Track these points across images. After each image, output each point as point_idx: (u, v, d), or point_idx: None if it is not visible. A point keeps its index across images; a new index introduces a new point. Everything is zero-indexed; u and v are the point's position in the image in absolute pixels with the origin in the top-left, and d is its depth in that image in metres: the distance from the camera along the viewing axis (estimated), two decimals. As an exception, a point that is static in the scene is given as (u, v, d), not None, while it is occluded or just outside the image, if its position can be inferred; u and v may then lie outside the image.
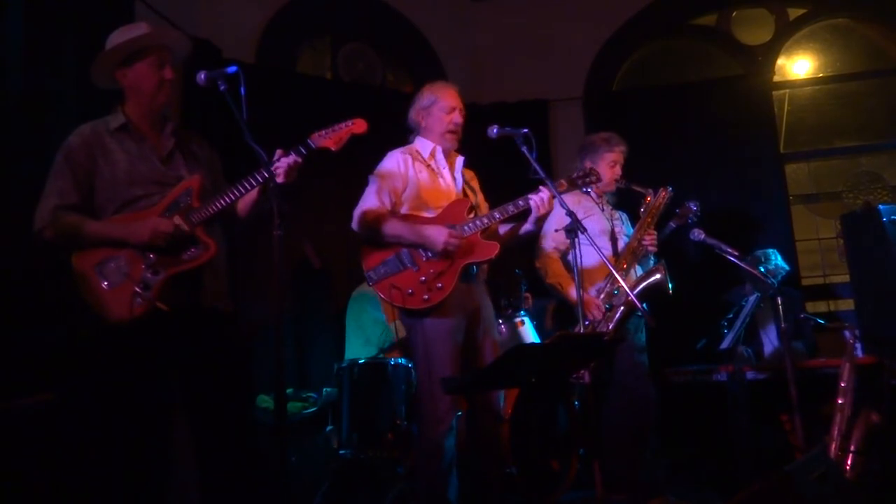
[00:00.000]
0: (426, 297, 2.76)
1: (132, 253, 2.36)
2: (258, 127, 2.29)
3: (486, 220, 2.88)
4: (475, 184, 3.17)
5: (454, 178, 3.03)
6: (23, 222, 2.49)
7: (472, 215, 2.92)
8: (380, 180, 2.93)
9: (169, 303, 2.35)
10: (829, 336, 4.25)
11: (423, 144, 3.05)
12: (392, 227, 2.84)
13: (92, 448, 2.47)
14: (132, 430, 2.34)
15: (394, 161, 2.98)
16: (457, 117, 3.01)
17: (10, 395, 2.57)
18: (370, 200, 2.90)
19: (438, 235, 2.77)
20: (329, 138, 2.49)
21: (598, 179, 3.05)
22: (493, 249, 2.88)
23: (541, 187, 2.86)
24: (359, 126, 2.53)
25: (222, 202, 2.42)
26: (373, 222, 2.85)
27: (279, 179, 2.36)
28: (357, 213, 2.90)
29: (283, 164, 2.39)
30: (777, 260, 4.43)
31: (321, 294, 4.55)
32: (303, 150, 2.44)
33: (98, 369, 2.41)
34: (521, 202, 2.87)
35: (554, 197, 2.82)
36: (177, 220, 2.38)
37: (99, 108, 2.64)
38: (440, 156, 3.03)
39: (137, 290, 2.32)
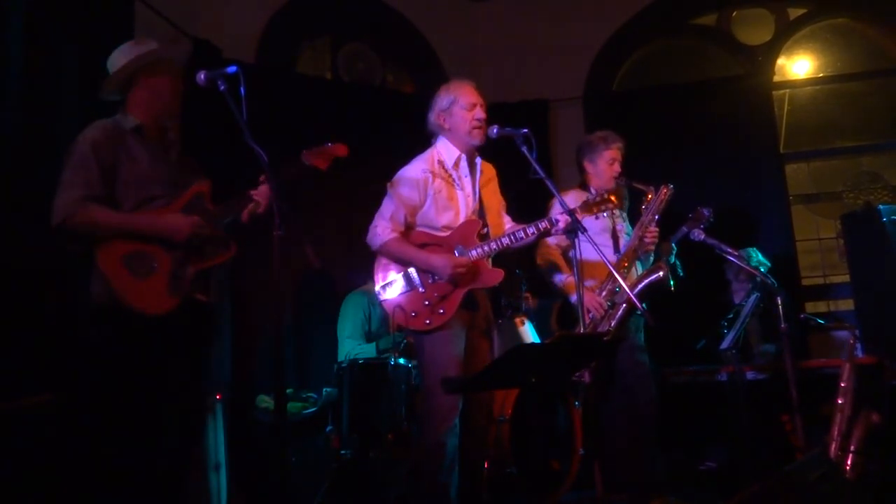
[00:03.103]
0: (428, 321, 2.83)
1: (158, 248, 2.44)
2: (258, 127, 2.30)
3: (494, 246, 2.91)
4: (494, 183, 3.16)
5: (473, 189, 3.03)
6: (22, 225, 2.49)
7: (485, 230, 2.96)
8: (398, 197, 2.94)
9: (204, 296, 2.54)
10: (822, 336, 4.25)
11: (447, 151, 3.01)
12: (404, 252, 2.91)
13: (109, 443, 2.46)
14: (162, 419, 2.43)
15: (414, 176, 2.96)
16: (479, 112, 2.97)
17: (10, 396, 2.57)
18: (384, 224, 2.93)
19: (445, 268, 2.82)
20: (318, 157, 2.66)
21: (615, 206, 3.08)
22: (497, 276, 2.92)
23: (557, 216, 2.92)
24: (340, 150, 2.71)
25: (238, 206, 2.61)
26: (385, 248, 2.92)
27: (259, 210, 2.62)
28: (371, 235, 2.95)
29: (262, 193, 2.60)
30: (758, 257, 4.43)
31: (321, 294, 4.55)
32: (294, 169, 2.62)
33: (121, 362, 2.42)
34: (542, 224, 2.92)
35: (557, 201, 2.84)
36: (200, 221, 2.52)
37: (100, 110, 2.67)
38: (464, 164, 3.01)
39: (172, 282, 2.42)
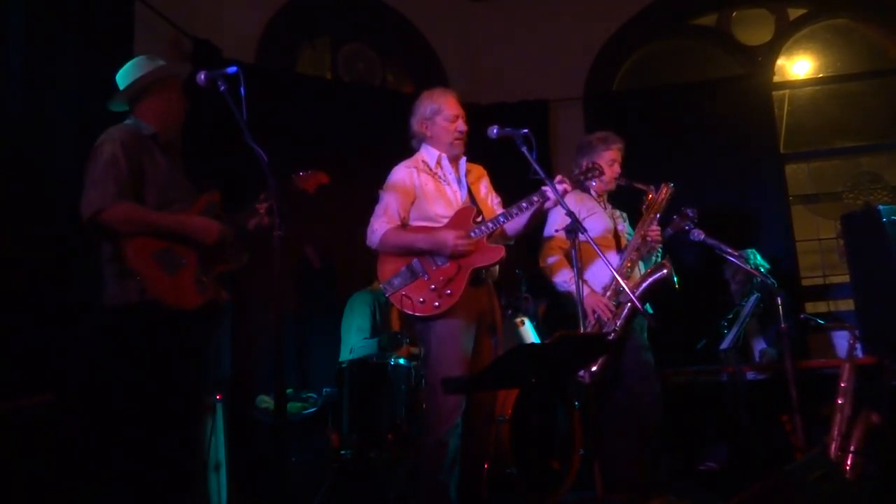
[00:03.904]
0: (437, 304, 2.85)
1: (185, 247, 2.52)
2: (258, 127, 2.30)
3: (490, 225, 2.94)
4: (485, 181, 3.21)
5: (460, 184, 3.09)
6: (22, 224, 2.49)
7: (480, 218, 2.98)
8: (389, 196, 3.01)
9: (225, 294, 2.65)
10: (822, 336, 4.25)
11: (428, 153, 3.10)
12: (404, 239, 2.95)
13: (121, 441, 2.47)
14: (175, 416, 2.45)
15: (400, 175, 3.04)
16: (461, 125, 3.07)
17: (10, 396, 2.57)
18: (380, 221, 2.98)
19: (447, 237, 2.86)
20: (306, 182, 2.84)
21: (601, 172, 3.11)
22: (498, 253, 2.94)
23: (545, 189, 2.90)
24: (323, 178, 2.91)
25: (244, 219, 2.71)
26: (384, 239, 2.94)
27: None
28: (370, 234, 2.99)
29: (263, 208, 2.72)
30: (756, 259, 4.42)
31: (321, 294, 4.55)
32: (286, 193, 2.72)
33: (142, 359, 2.45)
34: (535, 198, 2.91)
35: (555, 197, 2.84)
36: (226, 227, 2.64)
37: (99, 110, 2.69)
38: (445, 163, 3.08)
39: (198, 280, 2.50)
